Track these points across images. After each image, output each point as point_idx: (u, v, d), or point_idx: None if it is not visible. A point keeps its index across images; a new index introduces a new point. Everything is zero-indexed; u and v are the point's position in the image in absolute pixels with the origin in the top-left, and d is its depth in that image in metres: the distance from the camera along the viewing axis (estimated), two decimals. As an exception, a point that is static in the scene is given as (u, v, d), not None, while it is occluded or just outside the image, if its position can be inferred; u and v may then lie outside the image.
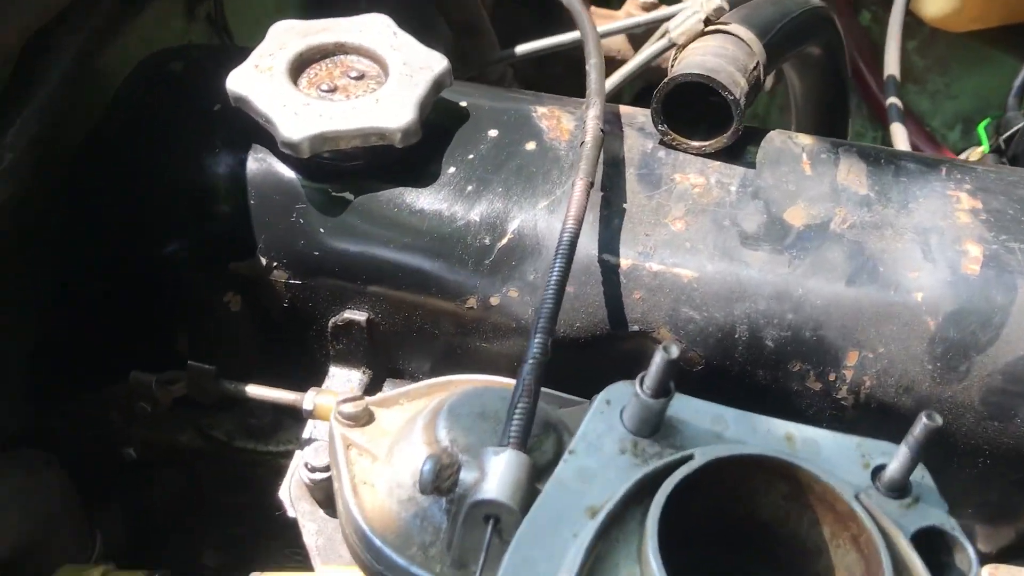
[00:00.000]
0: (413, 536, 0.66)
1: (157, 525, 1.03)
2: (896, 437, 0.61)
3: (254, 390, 0.86)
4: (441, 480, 0.62)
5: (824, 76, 1.36)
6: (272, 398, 0.85)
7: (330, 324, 0.90)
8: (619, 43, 1.74)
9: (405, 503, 0.67)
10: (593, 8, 1.76)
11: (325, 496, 0.81)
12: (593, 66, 0.94)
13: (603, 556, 0.57)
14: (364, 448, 0.71)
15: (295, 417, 1.01)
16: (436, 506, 0.66)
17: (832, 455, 0.64)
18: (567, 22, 1.15)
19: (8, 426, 0.90)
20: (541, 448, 0.67)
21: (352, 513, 0.67)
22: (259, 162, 0.90)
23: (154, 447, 1.00)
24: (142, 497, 1.04)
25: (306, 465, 0.80)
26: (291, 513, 0.84)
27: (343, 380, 0.91)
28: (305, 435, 0.87)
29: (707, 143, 0.91)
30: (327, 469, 0.79)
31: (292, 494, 0.83)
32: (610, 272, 0.85)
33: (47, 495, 0.85)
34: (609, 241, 0.86)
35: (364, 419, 0.73)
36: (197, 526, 1.05)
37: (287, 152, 0.85)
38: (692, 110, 0.91)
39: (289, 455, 0.97)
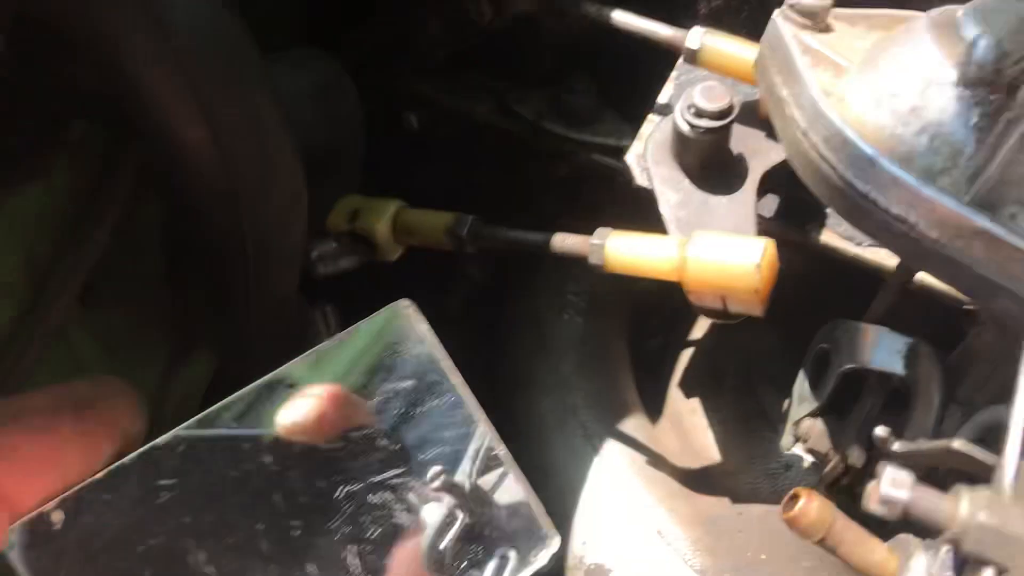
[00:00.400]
0: (914, 158, 0.45)
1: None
2: None
3: (622, 17, 0.66)
4: (1005, 64, 0.42)
5: None
6: (645, 30, 0.66)
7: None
8: None
9: (904, 116, 0.46)
10: None
11: (700, 158, 0.62)
12: None
13: None
14: (824, 56, 0.51)
15: (619, 108, 0.82)
16: (959, 120, 0.45)
17: None
18: None
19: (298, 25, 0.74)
20: None
21: (826, 115, 0.47)
22: None
23: (443, 115, 0.83)
24: (414, 175, 0.88)
25: (691, 109, 0.60)
26: (641, 181, 0.65)
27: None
28: (663, 98, 0.68)
29: None
30: (722, 115, 0.60)
31: (651, 157, 0.65)
32: None
33: (342, 101, 0.69)
34: None
35: (822, 23, 0.53)
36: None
37: None
38: None
39: (608, 151, 0.79)
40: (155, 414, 0.78)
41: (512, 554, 0.47)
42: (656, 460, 0.73)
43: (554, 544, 0.48)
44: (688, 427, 0.75)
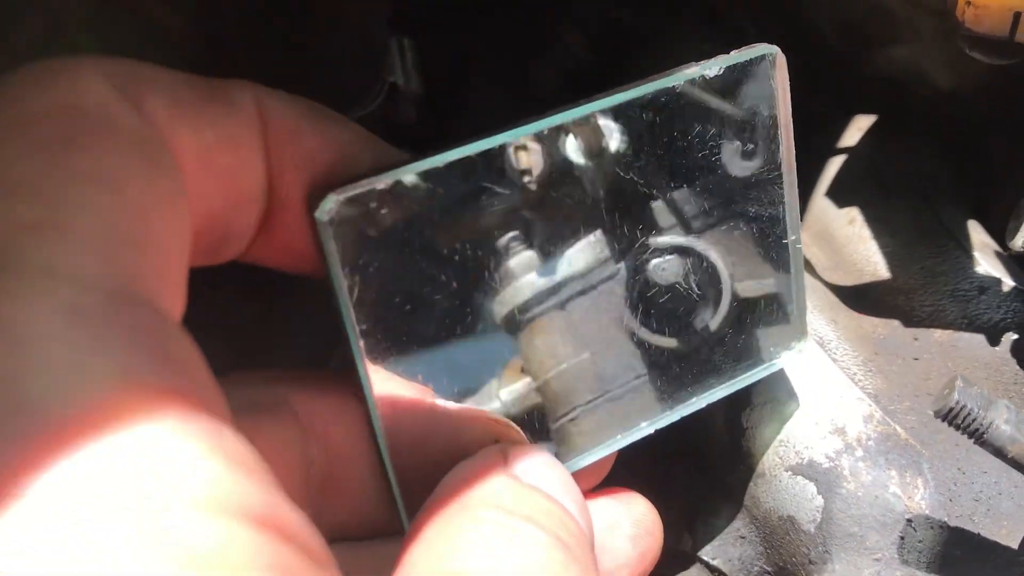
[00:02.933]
0: None
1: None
2: None
3: None
4: None
5: None
6: None
7: None
8: None
9: None
10: None
11: None
12: None
13: None
14: None
15: None
16: None
17: None
18: None
19: None
20: None
21: None
22: None
23: None
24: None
25: None
26: None
27: None
28: None
29: None
30: None
31: None
32: None
33: None
34: None
35: None
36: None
37: None
38: None
39: None
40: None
41: (761, 346, 0.45)
42: (806, 267, 0.59)
43: (803, 348, 0.46)
44: (842, 239, 0.61)
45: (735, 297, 0.44)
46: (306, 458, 0.36)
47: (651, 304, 0.42)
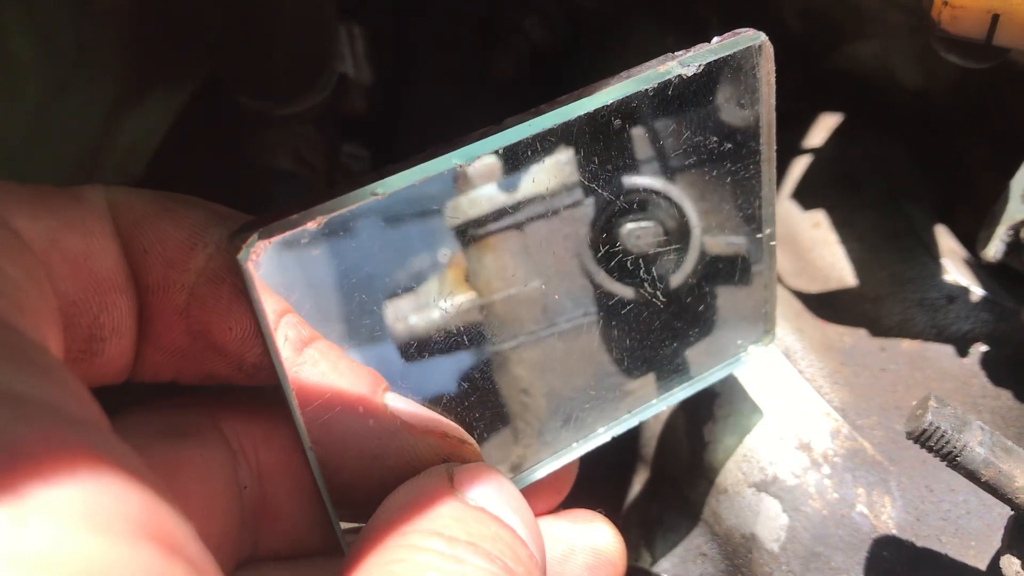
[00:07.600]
0: None
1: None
2: None
3: None
4: None
5: None
6: None
7: None
8: None
9: None
10: None
11: None
12: None
13: None
14: None
15: None
16: None
17: None
18: None
19: None
20: None
21: None
22: None
23: None
24: None
25: None
26: None
27: None
28: None
29: None
30: None
31: None
32: None
33: None
34: None
35: None
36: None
37: None
38: None
39: None
40: (90, 172, 0.59)
41: (727, 337, 0.43)
42: (774, 273, 0.57)
43: (770, 344, 0.45)
44: (808, 243, 0.59)
45: (703, 253, 0.41)
46: (236, 482, 0.35)
47: (613, 248, 0.39)
